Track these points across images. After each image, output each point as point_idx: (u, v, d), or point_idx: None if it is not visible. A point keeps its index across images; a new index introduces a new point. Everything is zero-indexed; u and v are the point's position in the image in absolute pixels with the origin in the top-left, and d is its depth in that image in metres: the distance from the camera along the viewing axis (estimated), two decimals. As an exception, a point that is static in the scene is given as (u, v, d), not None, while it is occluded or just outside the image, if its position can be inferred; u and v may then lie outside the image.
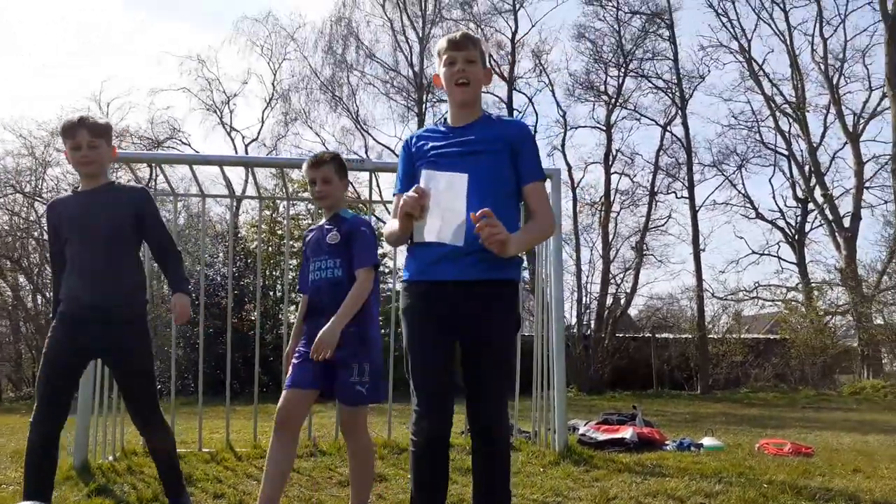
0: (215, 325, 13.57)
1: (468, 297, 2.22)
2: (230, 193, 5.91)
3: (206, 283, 10.57)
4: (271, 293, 17.07)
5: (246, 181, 19.46)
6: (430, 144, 2.36)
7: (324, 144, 22.40)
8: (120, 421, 4.81)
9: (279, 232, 17.50)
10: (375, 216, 19.10)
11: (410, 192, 2.17)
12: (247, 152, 23.05)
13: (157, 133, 22.93)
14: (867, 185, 19.77)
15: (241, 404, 8.90)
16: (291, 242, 16.14)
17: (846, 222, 19.50)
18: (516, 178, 2.32)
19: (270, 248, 17.32)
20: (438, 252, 2.21)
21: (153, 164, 13.79)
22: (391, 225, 2.35)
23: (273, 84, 23.85)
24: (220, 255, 16.45)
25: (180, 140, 23.43)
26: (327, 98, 22.30)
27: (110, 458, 4.57)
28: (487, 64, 2.44)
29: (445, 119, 2.47)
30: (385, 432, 5.30)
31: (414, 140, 2.43)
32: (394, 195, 2.42)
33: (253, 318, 15.44)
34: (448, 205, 2.13)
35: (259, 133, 24.00)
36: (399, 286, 2.40)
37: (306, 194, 16.80)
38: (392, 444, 4.95)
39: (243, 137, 24.13)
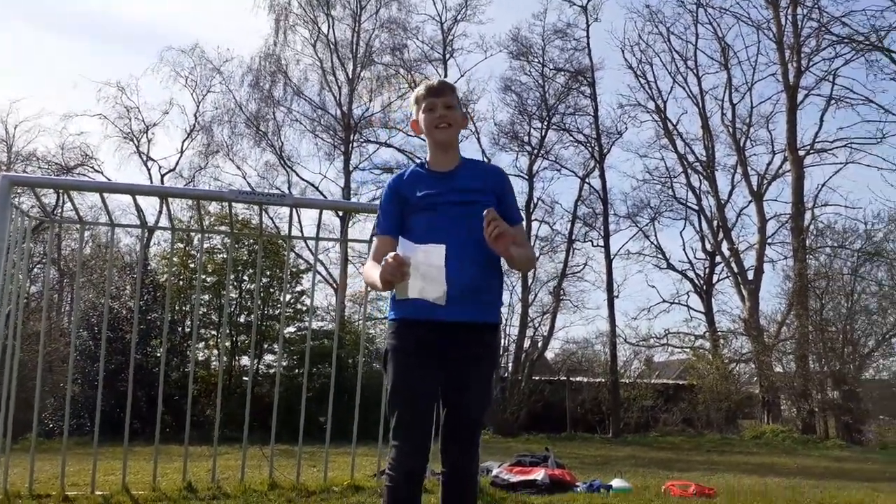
0: (117, 361, 12.86)
1: (463, 338, 2.29)
2: (142, 223, 5.69)
3: (109, 317, 10.06)
4: (179, 328, 16.39)
5: (160, 212, 18.93)
6: (424, 192, 2.40)
7: (244, 178, 22.02)
8: (4, 461, 4.46)
9: (191, 265, 16.92)
10: (295, 252, 18.86)
11: (390, 260, 2.12)
12: (163, 183, 22.33)
13: (68, 159, 22.01)
14: (769, 241, 20.87)
15: (141, 445, 8.43)
16: (204, 277, 15.64)
17: (750, 275, 20.49)
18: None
19: (181, 282, 16.69)
20: None
21: (61, 191, 13.21)
22: (371, 268, 2.32)
23: (195, 115, 23.31)
24: (128, 287, 15.72)
25: (92, 167, 22.57)
26: (251, 132, 21.99)
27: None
28: (462, 109, 2.55)
29: (424, 163, 2.53)
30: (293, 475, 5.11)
31: (400, 185, 2.46)
32: (375, 235, 2.45)
33: (158, 354, 14.75)
34: (426, 271, 2.13)
35: (177, 164, 23.33)
36: (388, 325, 2.41)
37: (223, 227, 16.41)
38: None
39: (160, 168, 23.39)
